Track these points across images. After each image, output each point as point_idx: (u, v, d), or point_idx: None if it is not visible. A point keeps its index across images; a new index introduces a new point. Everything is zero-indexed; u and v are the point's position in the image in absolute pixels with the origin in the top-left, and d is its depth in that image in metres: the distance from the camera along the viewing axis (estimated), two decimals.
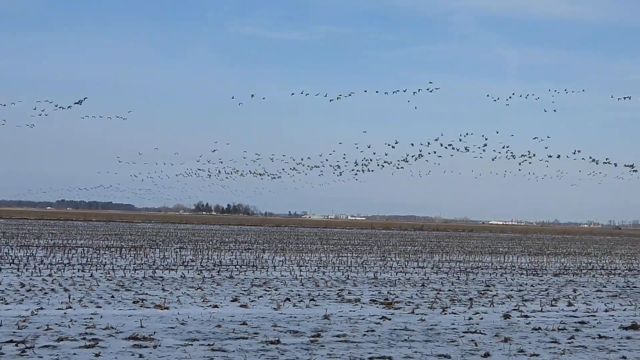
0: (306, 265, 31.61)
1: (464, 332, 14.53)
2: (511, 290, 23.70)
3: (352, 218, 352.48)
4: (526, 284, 25.93)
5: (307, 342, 12.90)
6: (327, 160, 65.04)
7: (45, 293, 19.01)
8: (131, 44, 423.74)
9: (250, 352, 11.83)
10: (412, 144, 57.58)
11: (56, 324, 14.07)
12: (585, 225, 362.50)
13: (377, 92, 71.27)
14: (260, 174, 75.11)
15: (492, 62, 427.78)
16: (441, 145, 53.01)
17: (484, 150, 53.63)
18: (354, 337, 13.56)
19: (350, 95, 51.99)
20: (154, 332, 13.39)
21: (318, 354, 11.88)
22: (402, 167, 61.34)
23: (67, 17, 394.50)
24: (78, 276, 23.79)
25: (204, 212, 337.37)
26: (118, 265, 28.41)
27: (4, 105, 49.42)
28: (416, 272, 29.92)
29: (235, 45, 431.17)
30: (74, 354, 11.33)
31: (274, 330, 14.19)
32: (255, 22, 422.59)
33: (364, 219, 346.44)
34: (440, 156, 56.05)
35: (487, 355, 12.10)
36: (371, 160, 60.52)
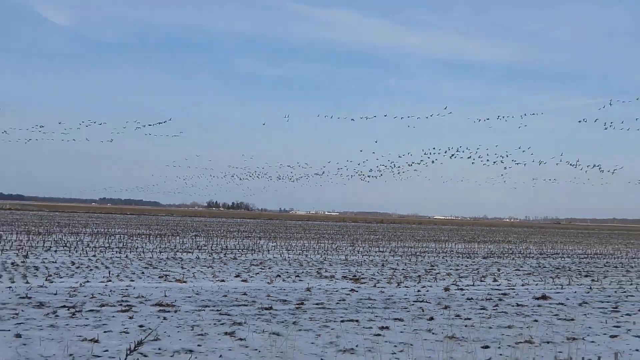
0: (293, 250, 31.57)
1: (414, 301, 14.59)
2: (450, 269, 23.82)
3: (328, 213, 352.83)
4: (462, 265, 26.08)
5: (293, 309, 12.90)
6: (345, 166, 65.69)
7: (91, 269, 18.86)
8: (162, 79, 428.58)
9: (249, 316, 11.82)
10: (425, 151, 57.71)
11: (99, 293, 13.98)
12: (507, 220, 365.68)
13: (394, 117, 71.65)
14: (289, 179, 75.45)
15: (436, 94, 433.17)
16: (445, 152, 53.21)
17: (482, 157, 53.46)
18: (329, 305, 13.58)
19: (374, 117, 52.77)
20: (175, 300, 13.34)
21: (302, 317, 11.89)
22: (407, 171, 61.50)
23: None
24: (116, 257, 23.62)
25: (214, 208, 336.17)
26: (147, 249, 28.24)
27: (95, 123, 48.47)
28: (377, 255, 30.00)
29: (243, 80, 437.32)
30: (113, 316, 11.27)
31: (268, 299, 14.18)
32: (254, 61, 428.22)
33: (337, 214, 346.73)
34: (433, 162, 56.11)
35: (431, 319, 12.17)
36: (385, 167, 60.69)
